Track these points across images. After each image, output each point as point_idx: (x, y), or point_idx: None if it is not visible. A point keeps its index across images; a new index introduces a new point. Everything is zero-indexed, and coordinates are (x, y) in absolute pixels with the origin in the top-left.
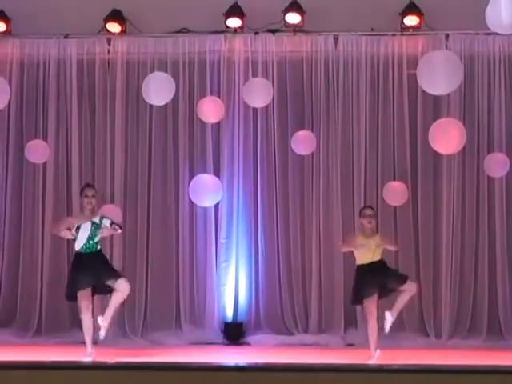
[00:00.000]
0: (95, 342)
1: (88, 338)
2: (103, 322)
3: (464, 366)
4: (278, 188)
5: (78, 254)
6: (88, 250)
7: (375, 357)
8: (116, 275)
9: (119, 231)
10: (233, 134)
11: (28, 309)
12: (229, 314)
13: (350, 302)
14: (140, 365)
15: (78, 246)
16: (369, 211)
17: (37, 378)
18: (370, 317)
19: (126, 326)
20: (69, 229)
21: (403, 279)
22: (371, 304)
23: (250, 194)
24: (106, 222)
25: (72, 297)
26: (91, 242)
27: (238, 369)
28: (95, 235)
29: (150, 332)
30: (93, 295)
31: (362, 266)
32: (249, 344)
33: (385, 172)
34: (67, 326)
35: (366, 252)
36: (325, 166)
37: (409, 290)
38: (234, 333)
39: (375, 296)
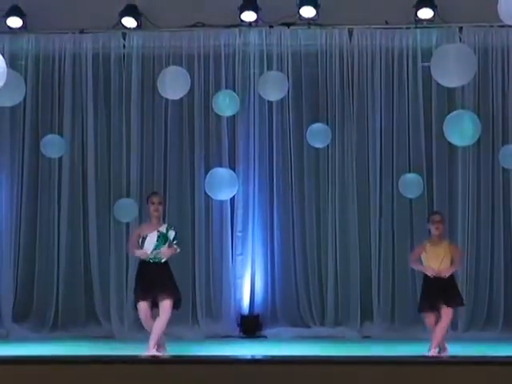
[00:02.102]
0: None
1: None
2: (152, 351)
3: (480, 358)
4: (293, 180)
5: (143, 262)
6: (152, 261)
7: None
8: (167, 293)
9: (178, 251)
10: (248, 128)
11: (44, 304)
12: (245, 307)
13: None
14: (157, 359)
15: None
16: (437, 217)
17: (53, 372)
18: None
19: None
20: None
21: (448, 302)
22: (427, 318)
23: (265, 187)
24: (171, 235)
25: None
26: (156, 253)
27: (254, 361)
28: (161, 245)
29: (166, 326)
30: (155, 306)
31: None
32: (265, 337)
33: (400, 164)
34: (83, 321)
35: (434, 260)
36: (340, 159)
37: (443, 319)
38: (250, 326)
39: (429, 312)
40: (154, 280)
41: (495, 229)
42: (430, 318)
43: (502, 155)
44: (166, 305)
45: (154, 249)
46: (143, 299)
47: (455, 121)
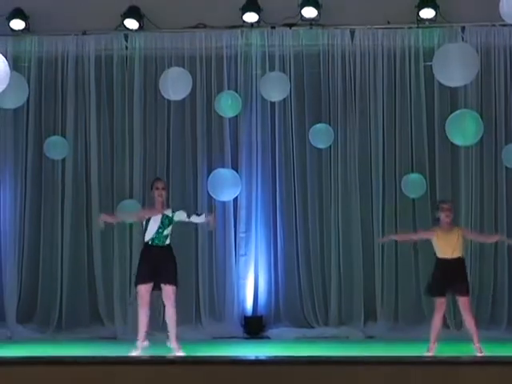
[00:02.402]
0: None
1: (141, 333)
2: (173, 344)
3: (484, 358)
4: (296, 181)
5: (146, 245)
6: (155, 243)
7: (432, 350)
8: (169, 280)
9: (203, 219)
10: (250, 128)
11: (48, 305)
12: (248, 308)
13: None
14: (160, 359)
15: (147, 237)
16: (447, 204)
17: (57, 373)
18: (435, 312)
19: None
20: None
21: (462, 292)
22: (438, 302)
23: (268, 187)
24: (181, 215)
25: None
26: (159, 234)
27: (258, 362)
28: (165, 228)
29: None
30: (154, 289)
31: (440, 260)
32: (269, 337)
33: (403, 164)
34: (87, 322)
35: (447, 246)
36: (343, 159)
37: (462, 309)
38: (253, 326)
39: (443, 296)
40: (156, 264)
41: (498, 228)
42: (441, 302)
43: (504, 155)
44: (168, 291)
45: (157, 231)
46: (143, 282)
47: (457, 121)
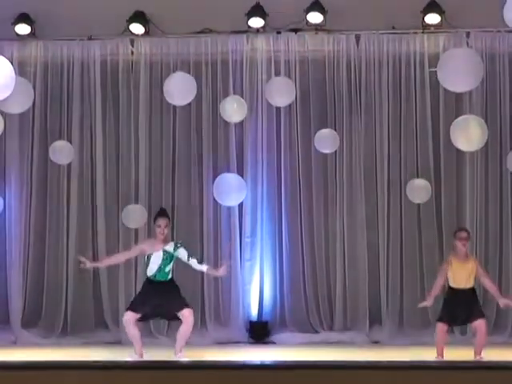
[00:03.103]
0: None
1: (138, 349)
2: (182, 356)
3: (488, 363)
4: (301, 186)
5: (149, 279)
6: (157, 279)
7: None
8: (182, 305)
9: (204, 269)
10: (256, 133)
11: (53, 310)
12: (254, 313)
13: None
14: (165, 364)
15: (149, 272)
16: (464, 234)
17: (61, 377)
18: (436, 335)
19: (151, 324)
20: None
21: (477, 316)
22: (440, 327)
23: (273, 192)
24: (183, 254)
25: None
26: (161, 271)
27: (263, 367)
28: (167, 264)
29: (174, 331)
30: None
31: (452, 289)
32: (274, 343)
33: (408, 169)
34: (92, 327)
35: (461, 277)
36: (348, 164)
37: (479, 330)
38: (259, 331)
39: (445, 326)
40: (161, 300)
41: (503, 234)
42: (443, 329)
43: (509, 160)
44: (186, 314)
45: (159, 268)
46: (133, 310)
47: (462, 126)
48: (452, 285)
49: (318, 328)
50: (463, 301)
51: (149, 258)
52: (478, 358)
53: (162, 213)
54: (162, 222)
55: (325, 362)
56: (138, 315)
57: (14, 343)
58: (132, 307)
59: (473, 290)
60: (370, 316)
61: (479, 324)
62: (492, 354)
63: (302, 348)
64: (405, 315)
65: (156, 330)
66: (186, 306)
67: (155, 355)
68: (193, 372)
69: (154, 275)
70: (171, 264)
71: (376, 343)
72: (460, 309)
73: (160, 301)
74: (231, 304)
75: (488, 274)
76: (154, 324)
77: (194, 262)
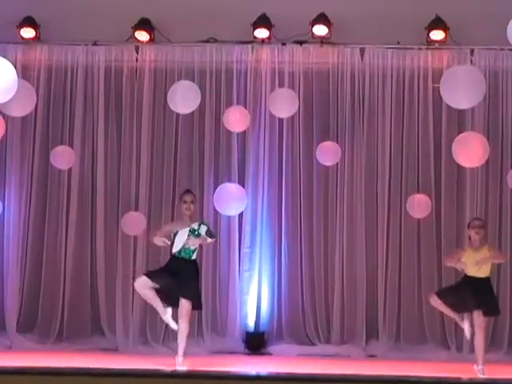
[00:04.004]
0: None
1: (158, 307)
2: (182, 361)
3: (484, 380)
4: (302, 198)
5: (173, 256)
6: (181, 255)
7: (479, 371)
8: (186, 295)
9: (209, 240)
10: (258, 144)
11: (49, 315)
12: (251, 324)
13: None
14: (161, 372)
15: (174, 249)
16: (477, 222)
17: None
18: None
19: (147, 333)
20: (166, 236)
21: (478, 306)
22: (435, 301)
23: (274, 203)
24: (202, 230)
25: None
26: (187, 249)
27: (259, 378)
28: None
29: (171, 340)
30: (162, 299)
31: (466, 276)
32: (270, 354)
33: (409, 184)
34: (88, 333)
35: (472, 266)
36: (349, 177)
37: (476, 325)
38: (255, 342)
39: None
40: (178, 277)
41: (502, 250)
42: (437, 302)
43: (510, 177)
44: (183, 308)
45: (184, 245)
46: (148, 277)
47: (463, 142)
48: (467, 273)
49: (315, 340)
50: (471, 287)
51: (175, 234)
52: (476, 369)
53: (188, 190)
54: (187, 197)
55: (321, 375)
56: (151, 284)
57: (10, 348)
58: (148, 274)
59: (485, 279)
60: (366, 330)
61: (476, 316)
62: (489, 372)
63: (298, 360)
64: (402, 330)
65: (153, 339)
66: (190, 298)
67: (151, 364)
68: (188, 381)
69: (179, 251)
70: (197, 240)
71: (372, 357)
72: (465, 294)
73: (174, 277)
74: (228, 314)
75: (501, 254)
76: (151, 333)
77: (205, 237)
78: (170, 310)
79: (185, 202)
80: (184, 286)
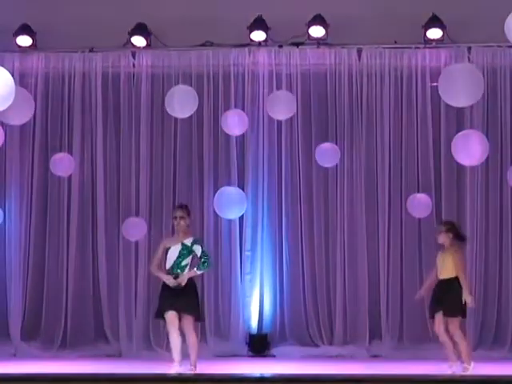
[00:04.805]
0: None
1: (176, 355)
2: (194, 368)
3: (489, 377)
4: (302, 200)
5: (167, 272)
6: (174, 271)
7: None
8: (189, 310)
9: (198, 273)
10: (257, 147)
11: (53, 322)
12: (253, 326)
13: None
14: (164, 377)
15: (167, 265)
16: (438, 227)
17: None
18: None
19: (151, 338)
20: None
21: (438, 308)
22: (430, 324)
23: (274, 205)
24: (197, 250)
25: (159, 316)
26: (178, 264)
27: (263, 380)
28: (184, 258)
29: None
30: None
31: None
32: (274, 356)
33: (409, 184)
34: (92, 340)
35: (438, 267)
36: (349, 178)
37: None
38: (258, 345)
39: (436, 317)
40: (177, 293)
41: (503, 249)
42: (432, 324)
43: (510, 175)
44: (188, 322)
45: (176, 261)
46: (170, 309)
47: (463, 140)
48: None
49: (318, 341)
50: (435, 291)
51: (167, 250)
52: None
53: (179, 205)
54: (176, 213)
55: (324, 376)
56: (175, 310)
57: (14, 356)
58: (166, 307)
59: (446, 281)
60: (369, 330)
61: (437, 319)
62: (492, 369)
63: (302, 361)
64: (405, 330)
65: (156, 344)
66: (192, 313)
67: (154, 368)
68: None
69: (172, 267)
70: (188, 258)
71: (376, 357)
72: (432, 298)
73: (175, 296)
74: (231, 317)
75: (461, 267)
76: (154, 337)
77: (195, 271)
78: (180, 368)
79: (174, 217)
80: (184, 303)
